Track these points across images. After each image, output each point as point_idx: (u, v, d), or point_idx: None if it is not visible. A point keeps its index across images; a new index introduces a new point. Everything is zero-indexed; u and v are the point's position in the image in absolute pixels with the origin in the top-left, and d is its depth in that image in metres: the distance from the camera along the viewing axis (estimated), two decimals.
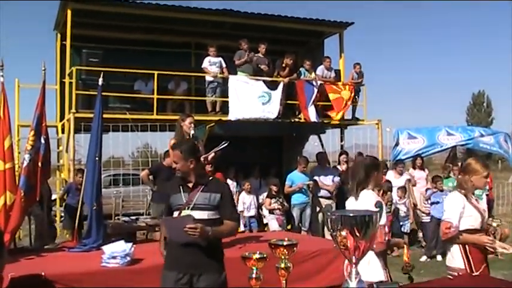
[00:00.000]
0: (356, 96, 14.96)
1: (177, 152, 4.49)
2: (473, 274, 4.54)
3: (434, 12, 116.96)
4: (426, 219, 11.70)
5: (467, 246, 4.70)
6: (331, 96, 14.36)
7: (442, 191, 11.17)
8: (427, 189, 11.86)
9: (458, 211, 4.69)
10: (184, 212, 4.29)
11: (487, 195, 12.18)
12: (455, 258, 4.75)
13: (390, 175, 12.18)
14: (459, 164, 14.39)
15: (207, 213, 4.31)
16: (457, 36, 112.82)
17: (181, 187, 4.43)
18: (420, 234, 12.49)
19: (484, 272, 4.67)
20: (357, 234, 2.72)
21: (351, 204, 4.64)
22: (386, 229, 4.50)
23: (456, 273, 4.49)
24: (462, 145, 14.80)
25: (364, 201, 4.49)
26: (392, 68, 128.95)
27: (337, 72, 15.13)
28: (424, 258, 11.01)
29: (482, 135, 14.84)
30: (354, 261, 2.81)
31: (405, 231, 11.78)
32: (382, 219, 4.42)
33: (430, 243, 11.26)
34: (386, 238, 4.50)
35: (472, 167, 4.84)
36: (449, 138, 14.48)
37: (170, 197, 4.47)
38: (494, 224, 4.89)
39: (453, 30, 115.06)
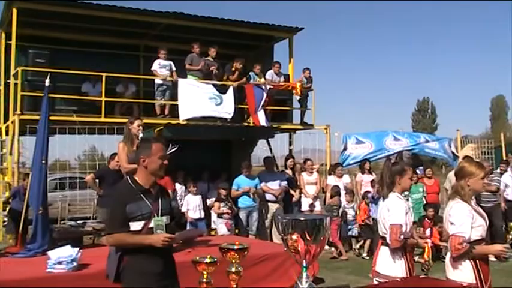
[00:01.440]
0: (305, 101, 15.10)
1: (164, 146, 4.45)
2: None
3: (386, 16, 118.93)
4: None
5: (477, 260, 4.38)
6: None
7: None
8: (365, 192, 12.04)
9: (469, 223, 4.35)
10: (156, 219, 4.08)
11: (424, 196, 12.56)
12: (464, 272, 4.37)
13: (331, 179, 12.45)
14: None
15: (170, 218, 4.24)
16: (403, 40, 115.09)
17: (141, 194, 4.13)
18: None
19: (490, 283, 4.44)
20: (308, 238, 2.75)
21: (380, 204, 5.02)
22: (404, 228, 4.58)
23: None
24: (408, 150, 15.13)
25: (389, 202, 4.78)
26: (340, 73, 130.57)
27: (286, 77, 15.23)
28: None
29: (427, 141, 15.27)
30: (304, 264, 2.84)
31: (353, 234, 11.95)
32: (398, 218, 4.63)
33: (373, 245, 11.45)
34: (402, 237, 4.57)
35: (467, 169, 4.52)
36: (396, 143, 14.82)
37: (127, 206, 4.03)
38: None
39: (402, 34, 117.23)
